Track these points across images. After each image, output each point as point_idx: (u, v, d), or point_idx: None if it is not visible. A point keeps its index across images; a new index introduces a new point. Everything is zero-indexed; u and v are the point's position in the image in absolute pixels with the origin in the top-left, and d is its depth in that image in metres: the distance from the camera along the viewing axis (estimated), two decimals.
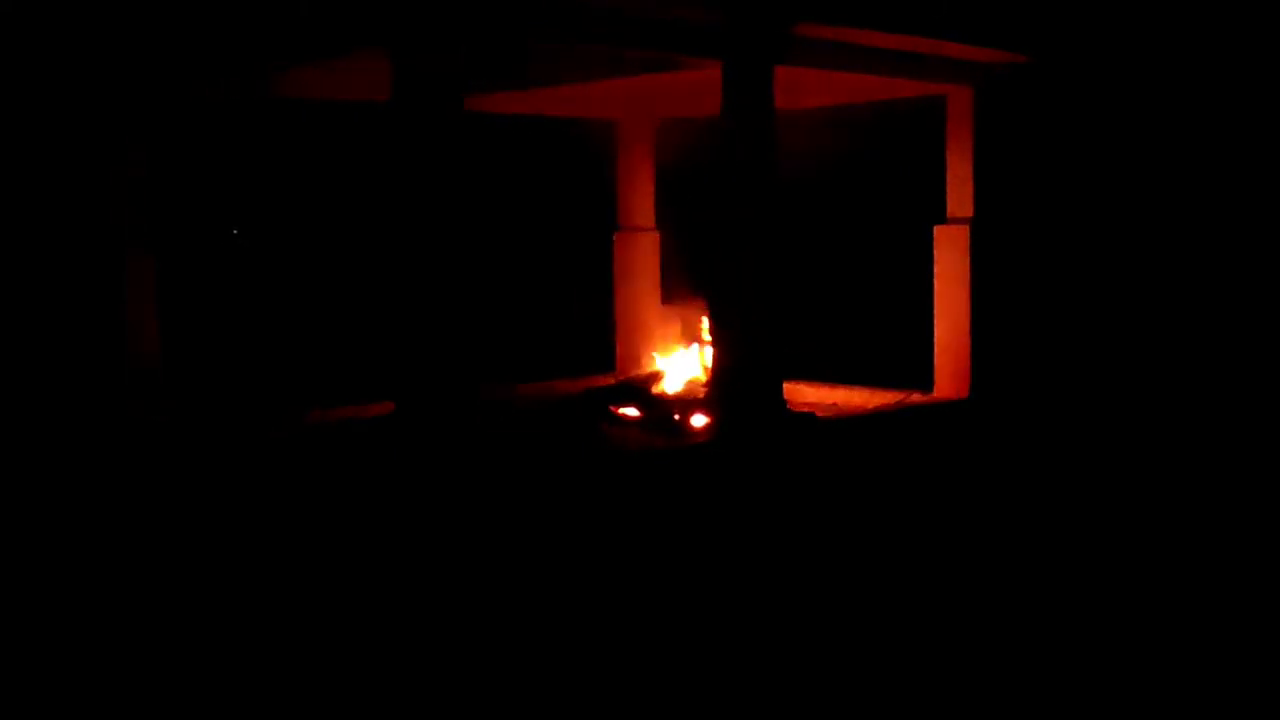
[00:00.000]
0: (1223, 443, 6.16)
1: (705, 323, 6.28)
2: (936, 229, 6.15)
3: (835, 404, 6.27)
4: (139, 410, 5.63)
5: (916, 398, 6.13)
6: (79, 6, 5.24)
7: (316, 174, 7.06)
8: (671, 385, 6.24)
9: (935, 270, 6.15)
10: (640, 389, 5.99)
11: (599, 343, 7.24)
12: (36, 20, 5.32)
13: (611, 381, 6.54)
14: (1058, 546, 5.23)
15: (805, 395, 6.31)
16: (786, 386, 5.43)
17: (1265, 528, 5.32)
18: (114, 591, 4.40)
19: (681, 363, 6.45)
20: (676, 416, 5.57)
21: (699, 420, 5.52)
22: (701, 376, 6.21)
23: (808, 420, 5.42)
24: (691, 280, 6.82)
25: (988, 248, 6.10)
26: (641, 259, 7.12)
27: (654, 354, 6.75)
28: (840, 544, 5.14)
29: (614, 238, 7.18)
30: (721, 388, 5.35)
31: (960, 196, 6.12)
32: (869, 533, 5.26)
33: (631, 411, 5.76)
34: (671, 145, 7.17)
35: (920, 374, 6.23)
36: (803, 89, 5.92)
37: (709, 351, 6.06)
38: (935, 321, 6.17)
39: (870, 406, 6.10)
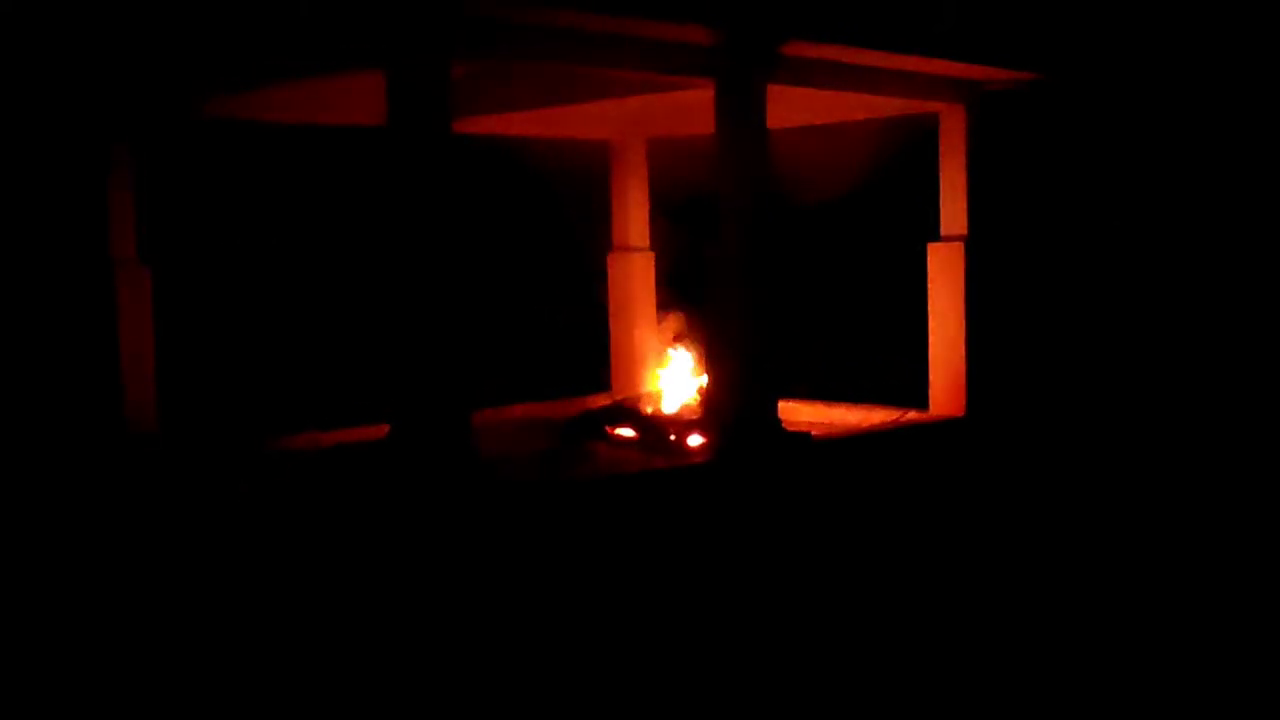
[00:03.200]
0: (1224, 462, 6.15)
1: (700, 343, 6.28)
2: (930, 246, 6.15)
3: (831, 422, 6.25)
4: (132, 428, 5.60)
5: (912, 416, 6.12)
6: (74, 18, 5.24)
7: (311, 195, 7.05)
8: (667, 406, 6.23)
9: (929, 288, 6.14)
10: (635, 410, 5.98)
11: (594, 363, 7.23)
12: (31, 27, 5.31)
13: (607, 402, 6.53)
14: (1056, 566, 5.22)
15: (800, 414, 6.30)
16: (782, 405, 5.42)
17: (1265, 544, 5.32)
18: (86, 626, 4.37)
19: (677, 383, 6.44)
20: (672, 437, 5.56)
21: (695, 440, 5.51)
22: (696, 397, 6.20)
23: (803, 439, 5.40)
24: (686, 300, 6.82)
25: (984, 265, 6.10)
26: (636, 279, 7.12)
27: (649, 374, 6.74)
28: (837, 564, 5.12)
29: (608, 258, 7.18)
30: (717, 408, 5.34)
31: (954, 214, 6.12)
32: (866, 553, 5.25)
33: (627, 432, 5.75)
34: (665, 164, 7.17)
35: (916, 392, 6.22)
36: (794, 108, 5.92)
37: (704, 371, 6.06)
38: (930, 339, 6.16)
39: (866, 425, 6.09)
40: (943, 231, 6.15)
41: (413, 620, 4.19)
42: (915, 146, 6.47)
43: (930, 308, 6.15)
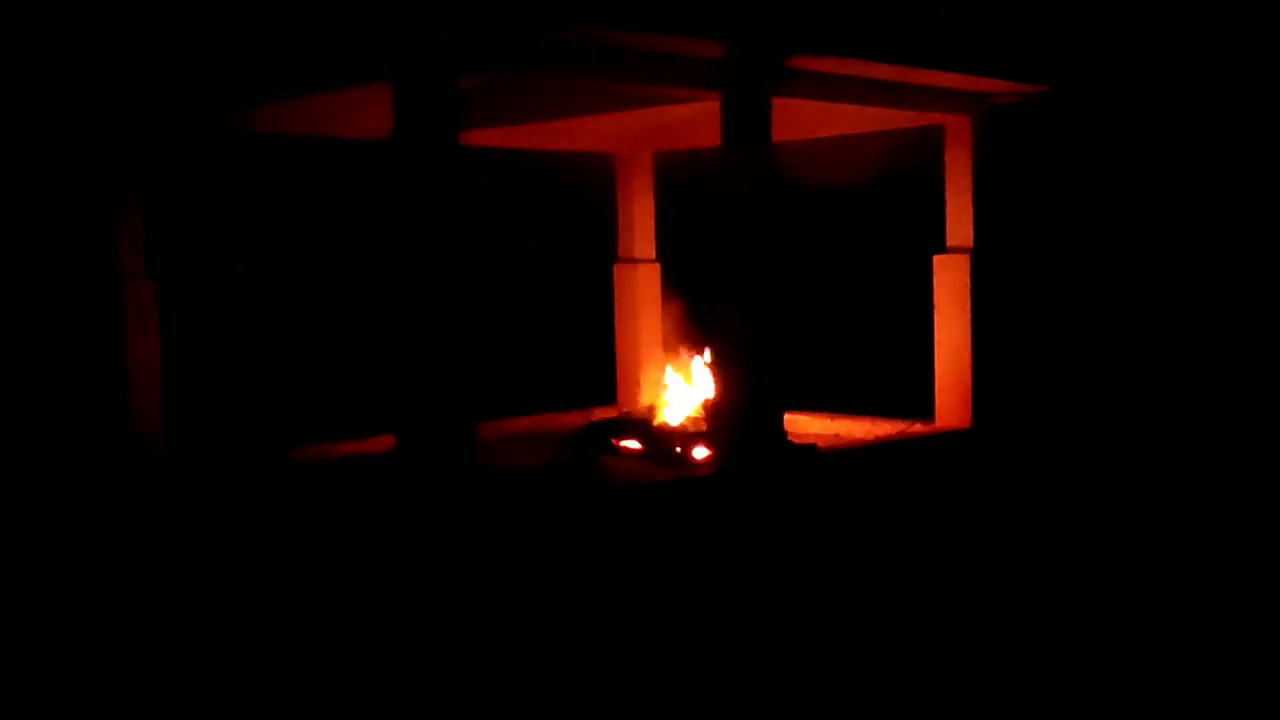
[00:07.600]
0: (1232, 474, 6.14)
1: (706, 355, 6.28)
2: (936, 258, 6.15)
3: (837, 434, 6.25)
4: (137, 442, 5.61)
5: (918, 428, 6.12)
6: (86, 31, 5.25)
7: (318, 208, 7.06)
8: (673, 418, 6.23)
9: (935, 300, 6.14)
10: (641, 421, 5.98)
11: (600, 375, 7.24)
12: (43, 39, 5.32)
13: (613, 414, 6.53)
14: (1062, 578, 5.21)
15: (807, 426, 6.30)
16: (787, 417, 5.42)
17: (1271, 553, 5.31)
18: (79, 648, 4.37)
19: (683, 395, 6.44)
20: (678, 449, 5.56)
21: (701, 453, 5.51)
22: (702, 409, 6.20)
23: (809, 452, 5.40)
24: (693, 312, 6.82)
25: (990, 277, 6.10)
26: (642, 291, 7.12)
27: (655, 386, 6.74)
28: (843, 576, 5.12)
29: (614, 270, 7.18)
30: (723, 420, 5.35)
31: (959, 226, 6.12)
32: (872, 565, 5.25)
33: (633, 444, 5.75)
34: (672, 176, 7.17)
35: (922, 404, 6.22)
36: (800, 120, 5.93)
37: (710, 383, 6.06)
38: (936, 351, 6.16)
39: (872, 437, 6.09)
40: (948, 243, 6.15)
41: (421, 629, 4.19)
42: (921, 158, 6.47)
43: (936, 319, 6.14)
